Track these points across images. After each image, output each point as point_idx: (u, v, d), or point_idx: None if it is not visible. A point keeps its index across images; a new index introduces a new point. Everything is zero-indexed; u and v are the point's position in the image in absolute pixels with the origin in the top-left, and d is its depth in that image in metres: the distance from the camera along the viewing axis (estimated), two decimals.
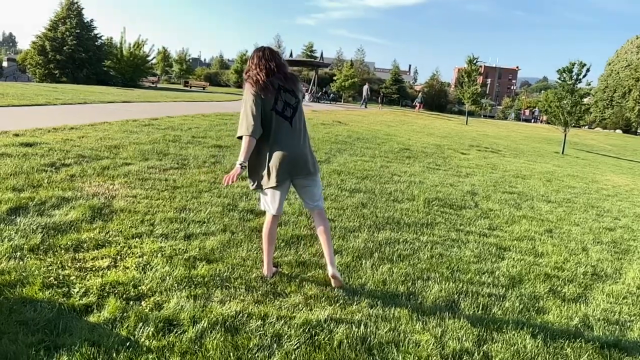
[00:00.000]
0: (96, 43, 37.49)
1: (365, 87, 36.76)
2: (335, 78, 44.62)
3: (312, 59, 52.95)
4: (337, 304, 3.08)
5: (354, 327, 2.81)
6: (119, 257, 3.36)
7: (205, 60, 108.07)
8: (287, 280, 3.35)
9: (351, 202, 5.65)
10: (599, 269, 4.59)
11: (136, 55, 37.90)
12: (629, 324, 3.45)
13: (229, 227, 4.23)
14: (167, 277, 3.13)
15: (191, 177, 5.71)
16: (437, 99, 52.98)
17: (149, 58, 40.29)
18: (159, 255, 3.47)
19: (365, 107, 34.22)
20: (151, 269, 3.23)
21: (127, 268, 3.21)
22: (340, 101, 41.77)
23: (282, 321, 2.78)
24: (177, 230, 3.99)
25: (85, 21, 37.31)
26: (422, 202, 6.14)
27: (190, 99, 20.66)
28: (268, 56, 3.16)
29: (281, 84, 3.12)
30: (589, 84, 19.64)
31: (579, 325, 3.29)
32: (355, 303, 3.14)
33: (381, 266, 3.85)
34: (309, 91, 35.46)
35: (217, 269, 3.35)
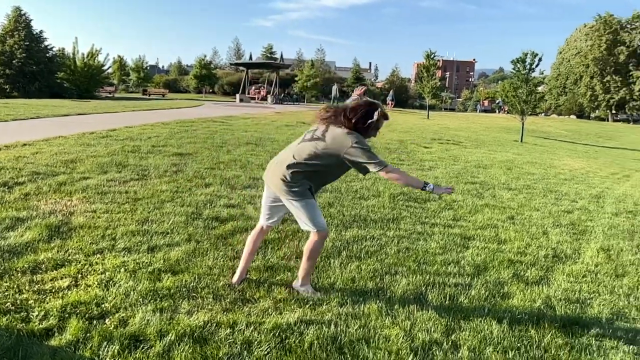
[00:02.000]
0: (47, 55, 36.29)
1: (334, 87, 37.62)
2: (297, 79, 44.60)
3: (272, 61, 52.80)
4: (307, 306, 3.08)
5: (324, 327, 2.82)
6: (79, 276, 3.26)
7: (163, 67, 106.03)
8: (255, 286, 3.32)
9: (318, 203, 5.65)
10: (559, 250, 4.75)
11: (90, 66, 36.85)
12: (588, 301, 3.59)
13: (194, 236, 4.16)
14: (132, 292, 3.06)
15: (152, 188, 5.59)
16: (398, 95, 53.70)
17: (105, 67, 39.26)
18: (122, 270, 3.38)
19: (334, 103, 34.72)
20: (114, 285, 3.15)
21: (89, 286, 3.12)
22: (304, 101, 41.78)
23: (252, 327, 2.76)
24: (139, 243, 3.90)
25: (35, 33, 36.07)
26: (387, 197, 6.21)
27: (150, 108, 20.24)
28: (349, 106, 3.16)
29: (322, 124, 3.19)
30: (542, 73, 20.36)
31: (542, 307, 3.39)
32: (325, 303, 3.15)
33: (349, 264, 3.88)
34: (271, 93, 35.42)
35: (183, 280, 3.30)
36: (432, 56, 27.90)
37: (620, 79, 57.79)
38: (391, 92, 43.75)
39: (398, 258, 4.11)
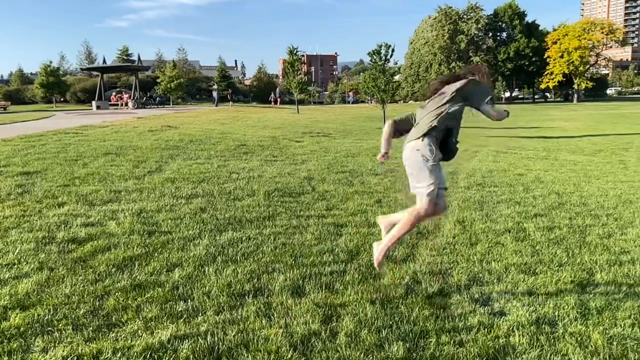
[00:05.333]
0: None
1: (215, 89, 39.12)
2: (159, 81, 42.38)
3: (130, 63, 49.72)
4: (181, 320, 2.93)
5: (200, 339, 2.70)
6: None
7: (2, 77, 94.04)
8: (122, 308, 3.07)
9: (189, 209, 5.42)
10: (422, 227, 5.10)
11: None
12: (449, 271, 3.92)
13: (46, 263, 3.72)
14: None
15: None
16: (267, 91, 53.94)
17: None
18: None
19: (217, 105, 35.22)
20: None
21: None
22: (169, 104, 40.01)
23: (119, 354, 2.54)
24: None
25: None
26: (262, 195, 6.18)
27: None
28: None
29: None
30: (396, 63, 21.95)
31: (410, 282, 3.62)
32: (200, 314, 3.02)
33: (225, 269, 3.77)
34: (132, 97, 33.46)
35: (35, 315, 2.92)
36: (295, 52, 28.46)
37: (464, 64, 64.53)
38: (277, 90, 44.52)
39: (275, 255, 4.10)
